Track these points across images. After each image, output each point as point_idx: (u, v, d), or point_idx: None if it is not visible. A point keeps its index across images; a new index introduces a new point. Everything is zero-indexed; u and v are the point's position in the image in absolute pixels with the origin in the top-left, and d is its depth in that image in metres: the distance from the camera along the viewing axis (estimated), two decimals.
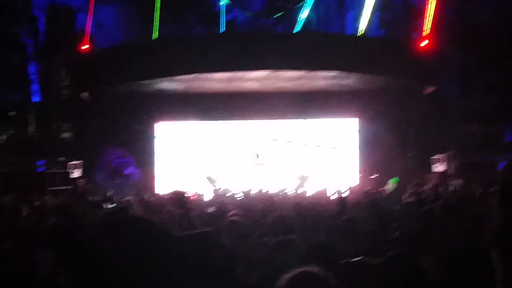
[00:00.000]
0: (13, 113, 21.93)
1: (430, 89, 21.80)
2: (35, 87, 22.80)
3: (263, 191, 16.03)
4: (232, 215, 8.01)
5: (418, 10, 23.93)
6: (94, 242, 1.63)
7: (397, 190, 17.41)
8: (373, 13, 23.91)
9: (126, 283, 1.51)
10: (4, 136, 21.84)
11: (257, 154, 23.56)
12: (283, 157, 23.69)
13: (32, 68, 22.95)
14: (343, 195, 15.19)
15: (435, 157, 21.21)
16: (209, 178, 19.28)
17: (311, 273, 2.78)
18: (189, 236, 3.13)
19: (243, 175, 22.46)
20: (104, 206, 12.91)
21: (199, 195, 16.09)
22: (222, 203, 11.61)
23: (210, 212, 9.05)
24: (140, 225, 1.67)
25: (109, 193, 17.48)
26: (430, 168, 21.36)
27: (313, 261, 4.38)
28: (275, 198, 14.11)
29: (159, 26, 23.52)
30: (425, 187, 16.17)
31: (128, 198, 12.66)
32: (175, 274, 1.57)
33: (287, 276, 2.77)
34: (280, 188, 17.32)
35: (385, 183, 19.57)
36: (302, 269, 2.80)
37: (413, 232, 5.93)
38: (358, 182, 21.91)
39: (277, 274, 2.84)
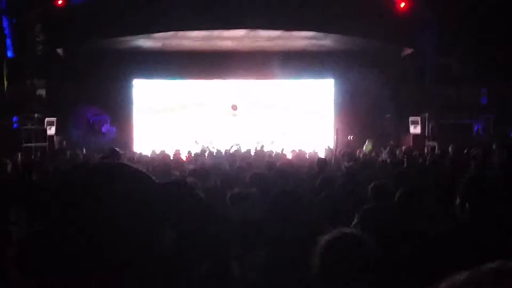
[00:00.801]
0: None
1: (407, 51, 21.86)
2: (8, 42, 22.36)
3: (241, 149, 16.19)
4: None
5: None
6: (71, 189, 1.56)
7: (373, 151, 17.61)
8: None
9: (107, 227, 1.48)
10: None
11: (232, 106, 23.76)
12: (260, 113, 23.85)
13: (5, 23, 22.48)
14: (320, 155, 15.34)
15: (412, 118, 21.36)
16: (196, 142, 19.46)
17: (350, 235, 2.78)
18: (169, 183, 3.15)
19: (220, 128, 22.69)
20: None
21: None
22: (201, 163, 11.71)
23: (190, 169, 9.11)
24: (127, 169, 1.63)
25: (83, 151, 17.45)
26: (407, 129, 21.52)
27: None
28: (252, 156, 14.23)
29: None
30: (399, 149, 16.31)
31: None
32: (156, 220, 1.55)
33: (327, 237, 2.76)
34: (258, 144, 17.49)
35: (361, 144, 19.74)
36: (340, 231, 2.80)
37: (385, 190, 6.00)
38: (334, 144, 22.03)
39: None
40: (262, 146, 17.87)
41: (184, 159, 15.32)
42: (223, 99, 23.96)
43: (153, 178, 1.62)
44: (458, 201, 3.65)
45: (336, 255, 2.70)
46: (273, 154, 16.06)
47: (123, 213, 1.47)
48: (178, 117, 23.61)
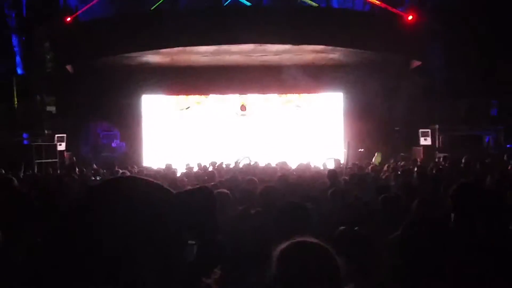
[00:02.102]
0: None
1: (416, 63, 21.84)
2: (18, 59, 22.52)
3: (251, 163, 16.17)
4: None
5: None
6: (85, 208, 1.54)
7: (382, 163, 17.56)
8: None
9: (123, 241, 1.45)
10: None
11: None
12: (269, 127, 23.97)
13: (14, 41, 22.65)
14: (329, 168, 15.27)
15: (423, 130, 21.33)
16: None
17: (307, 243, 2.71)
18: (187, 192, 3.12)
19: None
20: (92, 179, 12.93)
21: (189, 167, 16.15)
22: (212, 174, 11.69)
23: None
24: (138, 181, 1.61)
25: (93, 166, 17.47)
26: (417, 141, 21.48)
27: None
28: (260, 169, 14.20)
29: None
30: (407, 161, 16.28)
31: (121, 170, 12.75)
32: (175, 231, 1.53)
33: (283, 245, 2.68)
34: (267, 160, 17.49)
35: (372, 157, 19.72)
36: (298, 239, 2.70)
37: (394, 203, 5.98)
38: (344, 156, 22.01)
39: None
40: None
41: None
42: (232, 109, 24.05)
43: (167, 188, 1.61)
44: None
45: (291, 264, 2.67)
46: (282, 167, 15.99)
47: (140, 225, 1.45)
48: (186, 132, 23.66)
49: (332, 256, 2.65)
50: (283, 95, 24.05)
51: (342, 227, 4.41)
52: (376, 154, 20.09)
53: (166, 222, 1.50)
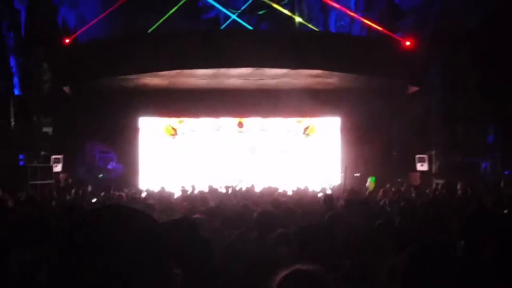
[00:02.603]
0: None
1: (413, 88, 21.89)
2: (15, 80, 22.53)
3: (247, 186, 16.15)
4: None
5: (402, 10, 24.05)
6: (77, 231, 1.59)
7: (376, 189, 17.56)
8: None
9: (111, 270, 1.49)
10: None
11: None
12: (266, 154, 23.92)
13: (12, 62, 22.67)
14: (327, 192, 15.26)
15: (419, 156, 21.35)
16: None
17: (306, 271, 2.71)
18: (171, 223, 3.11)
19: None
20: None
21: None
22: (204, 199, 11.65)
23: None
24: (124, 210, 1.65)
25: (89, 188, 17.42)
26: (414, 167, 21.48)
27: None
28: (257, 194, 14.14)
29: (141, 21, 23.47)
30: (403, 187, 16.26)
31: (119, 193, 12.73)
32: (160, 261, 1.56)
33: (281, 274, 2.68)
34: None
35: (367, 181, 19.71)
36: (296, 267, 2.71)
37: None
38: (340, 181, 22.03)
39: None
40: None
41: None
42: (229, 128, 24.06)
43: (152, 217, 1.65)
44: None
45: None
46: (280, 191, 15.95)
47: (126, 256, 1.49)
48: (184, 154, 23.66)
49: (327, 281, 2.65)
50: (283, 119, 24.06)
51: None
52: (369, 179, 20.08)
53: (150, 250, 1.53)
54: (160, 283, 1.54)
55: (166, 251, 1.59)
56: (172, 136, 23.91)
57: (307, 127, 24.28)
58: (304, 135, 24.29)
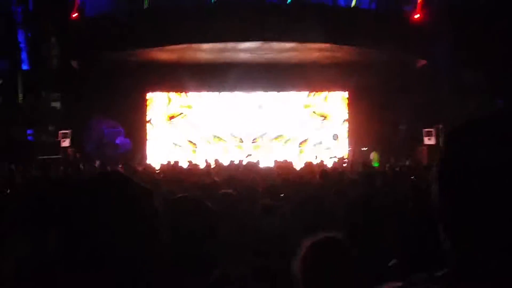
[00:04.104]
0: (0, 81, 21.71)
1: (422, 62, 21.77)
2: (23, 55, 22.54)
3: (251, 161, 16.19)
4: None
5: None
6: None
7: (381, 162, 17.60)
8: None
9: (118, 245, 1.52)
10: None
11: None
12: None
13: (20, 36, 22.67)
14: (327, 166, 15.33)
15: (426, 130, 21.27)
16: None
17: (334, 239, 2.72)
18: (178, 199, 3.11)
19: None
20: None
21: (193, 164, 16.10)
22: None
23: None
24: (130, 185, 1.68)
25: (97, 163, 17.49)
26: (422, 141, 21.42)
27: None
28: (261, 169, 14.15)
29: None
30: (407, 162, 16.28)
31: (117, 167, 12.69)
32: (167, 237, 1.60)
33: (309, 240, 2.70)
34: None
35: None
36: (324, 235, 2.73)
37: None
38: (348, 154, 22.11)
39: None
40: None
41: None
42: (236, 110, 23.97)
43: (143, 185, 1.69)
44: None
45: (319, 260, 2.66)
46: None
47: (118, 217, 1.55)
48: (190, 129, 23.67)
49: (351, 251, 2.67)
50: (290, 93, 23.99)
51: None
52: (372, 153, 20.10)
53: (148, 221, 1.60)
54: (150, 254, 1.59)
55: (163, 224, 1.63)
56: (180, 116, 23.91)
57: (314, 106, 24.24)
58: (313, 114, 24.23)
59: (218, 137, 23.37)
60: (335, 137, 22.75)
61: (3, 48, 21.98)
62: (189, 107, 23.88)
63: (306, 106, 24.10)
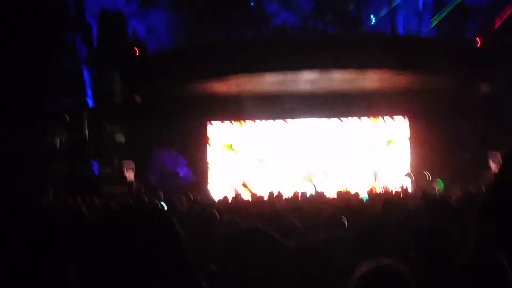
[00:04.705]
0: (67, 118, 22.29)
1: (484, 89, 21.42)
2: (88, 92, 23.16)
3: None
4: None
5: (472, 9, 23.57)
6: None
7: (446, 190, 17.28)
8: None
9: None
10: (59, 140, 22.23)
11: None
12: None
13: (85, 74, 23.32)
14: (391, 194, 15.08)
15: (492, 153, 20.82)
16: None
17: (390, 267, 2.62)
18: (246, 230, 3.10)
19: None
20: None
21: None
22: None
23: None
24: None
25: (161, 195, 17.64)
26: (487, 167, 20.96)
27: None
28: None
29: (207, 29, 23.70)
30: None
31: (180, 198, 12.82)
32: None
33: (362, 269, 2.62)
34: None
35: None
36: (379, 263, 2.62)
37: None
38: (411, 182, 21.79)
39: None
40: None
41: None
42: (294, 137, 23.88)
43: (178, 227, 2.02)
44: None
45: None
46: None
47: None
48: (252, 160, 23.71)
49: (409, 280, 2.58)
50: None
51: None
52: (437, 180, 19.75)
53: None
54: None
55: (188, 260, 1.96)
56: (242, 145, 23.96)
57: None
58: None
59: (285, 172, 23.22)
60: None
61: (69, 86, 22.62)
62: (251, 136, 23.93)
63: (368, 133, 23.83)
